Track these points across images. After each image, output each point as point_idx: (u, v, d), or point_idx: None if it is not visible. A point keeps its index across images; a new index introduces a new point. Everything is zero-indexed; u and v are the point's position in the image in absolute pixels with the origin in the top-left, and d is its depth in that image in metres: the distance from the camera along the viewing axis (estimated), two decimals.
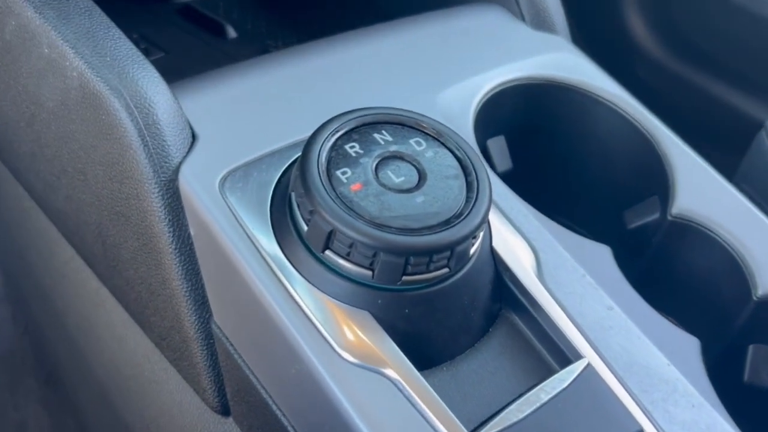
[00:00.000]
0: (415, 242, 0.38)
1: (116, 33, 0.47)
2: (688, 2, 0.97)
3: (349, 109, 0.43)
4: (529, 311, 0.43)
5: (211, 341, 0.47)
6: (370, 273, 0.39)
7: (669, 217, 0.52)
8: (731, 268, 0.50)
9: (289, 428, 0.43)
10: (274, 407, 0.44)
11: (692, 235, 0.51)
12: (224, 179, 0.44)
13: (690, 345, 0.45)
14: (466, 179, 0.41)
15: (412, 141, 0.42)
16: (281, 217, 0.42)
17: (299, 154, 0.41)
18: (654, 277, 0.54)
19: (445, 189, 0.41)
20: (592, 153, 0.58)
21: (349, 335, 0.39)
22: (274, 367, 0.43)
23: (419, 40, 0.56)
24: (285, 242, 0.41)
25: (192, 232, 0.45)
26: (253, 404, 0.46)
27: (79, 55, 0.45)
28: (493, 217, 0.46)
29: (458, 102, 0.53)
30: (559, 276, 0.45)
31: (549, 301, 0.43)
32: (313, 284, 0.40)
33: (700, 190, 0.52)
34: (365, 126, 0.42)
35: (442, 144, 0.43)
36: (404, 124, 0.43)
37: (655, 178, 0.54)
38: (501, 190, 0.48)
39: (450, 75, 0.54)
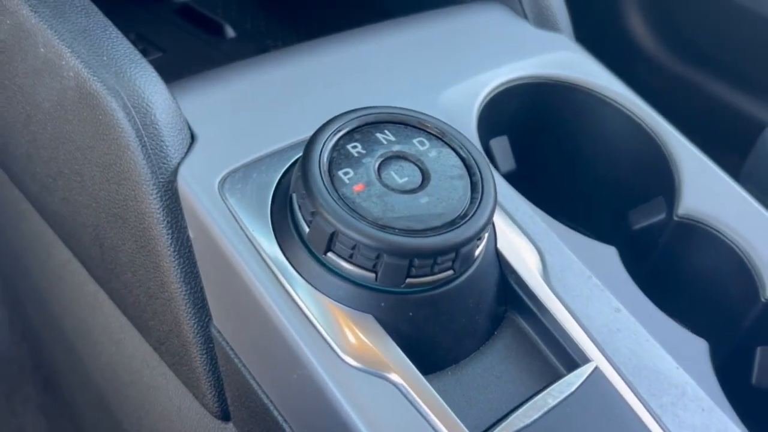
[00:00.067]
0: (420, 244, 0.37)
1: (113, 32, 0.46)
2: (688, 2, 0.96)
3: (351, 109, 0.42)
4: (535, 314, 0.43)
5: (211, 345, 0.47)
6: (373, 275, 0.39)
7: (675, 218, 0.51)
8: (738, 269, 0.50)
9: None
10: (275, 412, 0.43)
11: (699, 236, 0.51)
12: (224, 180, 0.43)
13: (698, 347, 0.45)
14: (471, 179, 0.41)
15: (415, 141, 0.42)
16: (282, 218, 0.42)
17: (300, 154, 0.41)
18: (660, 278, 0.53)
19: (449, 189, 0.40)
20: (597, 153, 0.58)
21: (352, 339, 0.39)
22: (275, 372, 0.42)
23: (421, 39, 0.56)
24: (286, 244, 0.41)
25: (191, 234, 0.44)
26: (254, 409, 0.45)
27: (75, 54, 0.45)
28: (498, 218, 0.46)
29: (461, 102, 0.52)
30: (565, 278, 0.44)
31: (555, 304, 0.43)
32: (314, 287, 0.40)
33: (706, 190, 0.52)
34: (367, 125, 0.42)
35: (446, 143, 0.42)
36: (407, 124, 0.43)
37: (661, 178, 0.54)
38: (505, 191, 0.48)
39: (452, 74, 0.54)
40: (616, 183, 0.58)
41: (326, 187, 0.38)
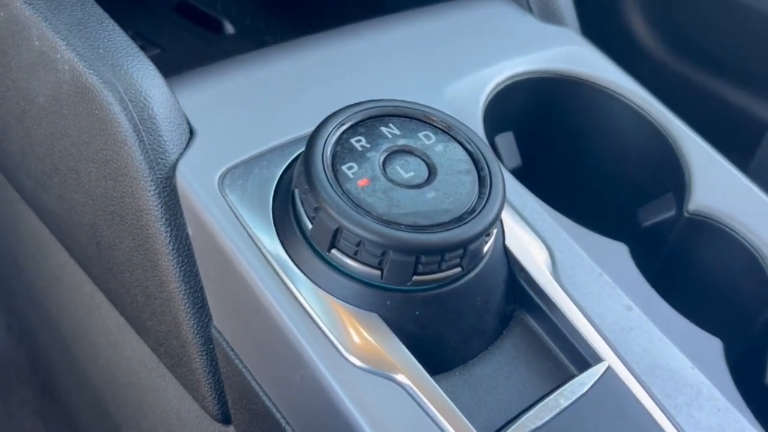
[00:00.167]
0: (427, 240, 0.37)
1: (110, 25, 0.46)
2: (689, 0, 0.96)
3: (355, 102, 0.41)
4: (544, 312, 0.42)
5: (211, 346, 0.46)
6: (378, 273, 0.38)
7: (686, 214, 0.51)
8: (750, 266, 0.49)
9: None
10: (277, 415, 0.43)
11: (710, 233, 0.51)
12: (224, 176, 0.43)
13: (713, 346, 0.44)
14: (479, 174, 0.40)
15: (420, 134, 0.41)
16: (284, 215, 0.41)
17: (302, 149, 0.40)
18: (671, 275, 0.53)
19: (456, 184, 0.39)
20: (604, 149, 0.58)
21: (357, 338, 0.38)
22: (278, 373, 0.42)
23: (425, 33, 0.55)
24: (288, 241, 0.40)
25: (190, 231, 0.44)
26: (256, 412, 0.44)
27: (70, 47, 0.44)
28: (506, 215, 0.45)
29: (466, 96, 0.52)
30: (575, 275, 0.43)
31: (565, 302, 0.42)
32: (318, 285, 0.39)
33: (717, 186, 0.52)
34: (371, 119, 0.41)
35: (452, 137, 0.42)
36: (412, 117, 0.42)
37: (671, 174, 0.54)
38: (513, 186, 0.47)
39: (457, 68, 0.53)
40: (624, 179, 0.57)
41: (330, 182, 0.38)
